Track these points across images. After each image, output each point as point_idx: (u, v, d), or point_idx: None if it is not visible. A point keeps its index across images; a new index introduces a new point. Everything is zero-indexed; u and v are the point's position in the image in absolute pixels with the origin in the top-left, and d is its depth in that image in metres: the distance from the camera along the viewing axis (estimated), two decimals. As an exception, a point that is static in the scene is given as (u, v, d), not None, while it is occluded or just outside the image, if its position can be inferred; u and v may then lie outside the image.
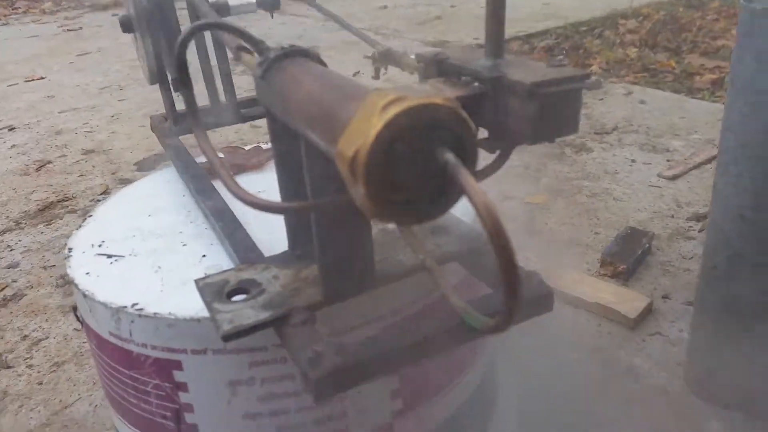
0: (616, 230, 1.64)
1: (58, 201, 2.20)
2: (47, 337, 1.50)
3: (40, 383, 1.36)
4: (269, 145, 1.05)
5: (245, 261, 0.67)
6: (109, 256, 0.77)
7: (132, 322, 0.66)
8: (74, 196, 2.23)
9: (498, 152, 0.60)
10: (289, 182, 0.62)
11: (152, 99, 3.02)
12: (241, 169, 0.99)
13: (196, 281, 0.63)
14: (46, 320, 1.57)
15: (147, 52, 1.02)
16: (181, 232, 0.81)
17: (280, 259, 0.66)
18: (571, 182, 1.98)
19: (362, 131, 0.39)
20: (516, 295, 0.39)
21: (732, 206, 1.00)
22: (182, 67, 0.58)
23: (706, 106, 2.46)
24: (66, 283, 1.72)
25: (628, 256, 1.49)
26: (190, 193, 0.90)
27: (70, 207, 2.15)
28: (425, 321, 0.55)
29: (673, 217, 1.73)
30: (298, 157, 0.58)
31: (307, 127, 0.50)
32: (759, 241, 0.98)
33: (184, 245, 0.78)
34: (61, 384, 1.35)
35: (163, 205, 0.89)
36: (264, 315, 0.57)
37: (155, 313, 0.65)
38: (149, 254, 0.77)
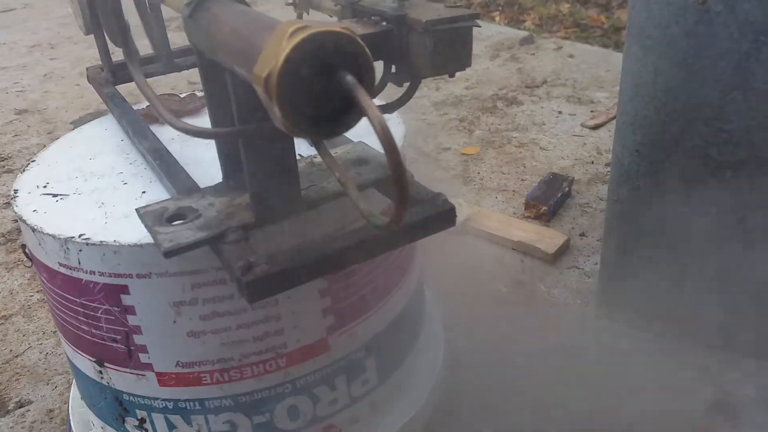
0: (541, 177, 1.75)
1: (-6, 162, 2.18)
2: (-7, 293, 1.53)
3: (-11, 336, 1.39)
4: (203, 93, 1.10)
5: (182, 192, 0.73)
6: (54, 195, 0.82)
7: (80, 251, 0.72)
8: (10, 156, 2.21)
9: (406, 86, 0.67)
10: (219, 115, 0.68)
11: (86, 57, 2.96)
12: (178, 114, 1.04)
13: (137, 209, 0.69)
14: (-10, 277, 1.59)
15: (81, 2, 1.04)
16: (121, 172, 0.87)
17: (214, 189, 0.72)
18: (501, 134, 2.08)
19: (273, 55, 0.46)
20: (404, 194, 0.46)
21: (629, 142, 1.10)
22: (118, 13, 0.63)
23: (630, 60, 2.60)
24: (8, 240, 1.73)
25: (549, 199, 1.60)
26: (128, 136, 0.94)
27: (5, 167, 2.14)
28: (344, 236, 0.63)
29: (593, 163, 1.85)
30: (225, 91, 0.65)
31: (231, 59, 0.56)
32: (652, 174, 1.09)
33: (125, 183, 0.84)
34: (10, 335, 1.39)
35: (103, 149, 0.94)
36: (201, 234, 0.64)
37: (101, 241, 0.71)
38: (92, 192, 0.82)
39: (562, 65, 2.57)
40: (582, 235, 1.53)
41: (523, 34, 2.97)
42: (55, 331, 1.38)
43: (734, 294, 1.11)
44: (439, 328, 1.08)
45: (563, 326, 1.26)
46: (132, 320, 0.75)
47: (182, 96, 1.10)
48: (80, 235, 0.72)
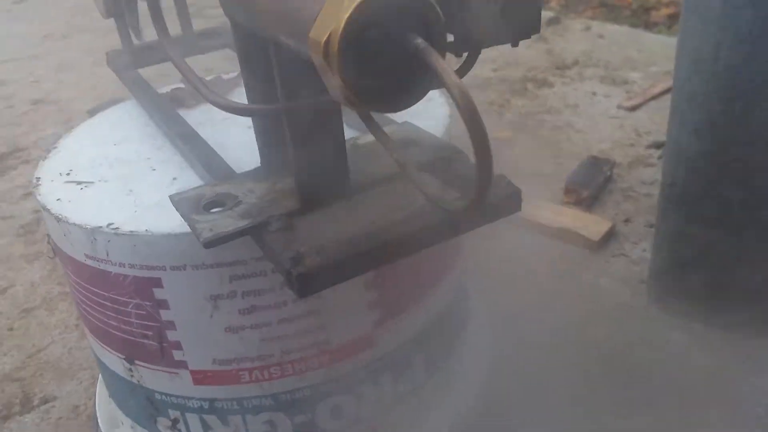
0: (579, 161, 1.68)
1: (10, 152, 2.14)
2: (14, 285, 1.48)
3: (11, 329, 1.35)
4: (229, 76, 1.04)
5: (219, 178, 0.67)
6: (79, 183, 0.76)
7: (108, 241, 0.67)
8: (26, 147, 2.17)
9: (465, 56, 0.61)
10: (258, 93, 0.62)
11: (97, 47, 2.91)
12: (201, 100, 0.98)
13: (171, 196, 0.64)
14: (10, 269, 1.54)
15: (101, -19, 0.99)
16: (149, 158, 0.81)
17: (253, 175, 0.67)
18: (533, 117, 2.00)
19: (333, 17, 0.40)
20: (489, 173, 0.40)
21: (687, 122, 1.03)
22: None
23: (663, 39, 2.49)
24: (27, 232, 1.69)
25: (590, 183, 1.52)
26: (155, 122, 0.89)
27: (23, 158, 2.10)
28: (401, 223, 0.57)
29: (633, 145, 1.77)
30: (264, 65, 0.59)
31: (276, 28, 0.50)
32: (713, 155, 1.02)
33: (154, 170, 0.78)
34: (32, 329, 1.35)
35: (127, 135, 0.88)
36: (243, 223, 0.58)
37: (132, 231, 0.65)
38: (119, 179, 0.76)
39: (592, 46, 2.48)
40: (627, 221, 1.46)
41: (550, 14, 2.87)
42: (78, 324, 1.34)
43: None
44: (485, 322, 1.02)
45: (614, 318, 1.19)
46: (165, 315, 0.69)
47: (208, 80, 1.04)
48: (108, 225, 0.67)
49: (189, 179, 0.74)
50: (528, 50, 2.51)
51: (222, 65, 1.23)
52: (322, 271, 0.52)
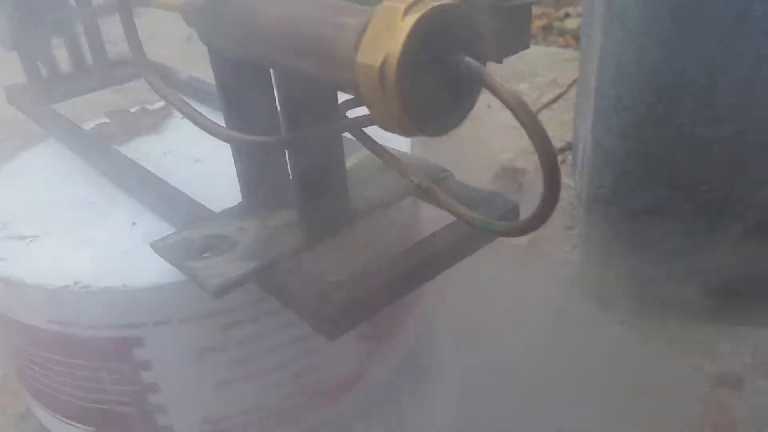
0: (490, 171, 1.73)
1: None
2: None
3: None
4: (155, 106, 0.97)
5: (197, 219, 0.62)
6: (22, 237, 0.67)
7: (78, 302, 0.59)
8: None
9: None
10: (241, 122, 0.57)
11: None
12: (132, 132, 0.91)
13: (153, 244, 0.58)
14: None
15: (4, 11, 0.89)
16: (93, 202, 0.73)
17: (237, 212, 0.62)
18: (437, 131, 2.04)
19: (387, 38, 0.38)
20: (557, 186, 0.40)
21: (613, 126, 1.09)
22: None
23: (542, 50, 2.64)
24: None
25: (508, 193, 1.58)
26: (90, 161, 0.80)
27: None
28: (420, 245, 0.55)
29: (535, 152, 1.86)
30: (250, 95, 0.55)
31: (289, 54, 0.47)
32: (639, 156, 1.08)
33: (105, 216, 0.71)
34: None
35: (56, 179, 0.80)
36: (249, 265, 0.53)
37: (106, 287, 0.58)
38: (68, 229, 0.68)
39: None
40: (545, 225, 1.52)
41: None
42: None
43: (722, 268, 1.12)
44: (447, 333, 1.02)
45: (548, 317, 1.23)
46: (147, 377, 0.62)
47: (133, 111, 0.96)
48: (76, 283, 0.59)
49: (151, 223, 0.68)
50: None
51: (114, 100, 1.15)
52: (353, 307, 0.49)
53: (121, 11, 0.51)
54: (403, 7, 0.38)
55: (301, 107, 0.50)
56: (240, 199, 0.63)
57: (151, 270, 0.59)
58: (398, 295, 0.52)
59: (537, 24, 3.03)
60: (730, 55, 0.94)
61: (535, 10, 3.25)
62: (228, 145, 0.82)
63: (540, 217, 0.42)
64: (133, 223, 0.68)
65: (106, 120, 0.93)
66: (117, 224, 0.68)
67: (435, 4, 0.38)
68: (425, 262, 0.53)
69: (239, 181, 0.62)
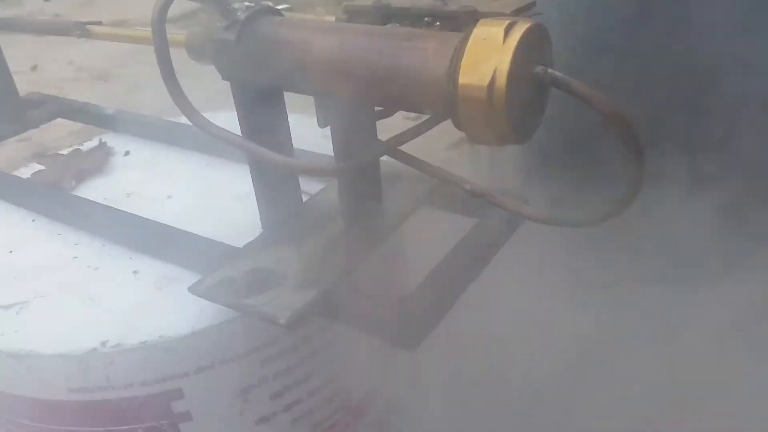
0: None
1: None
2: None
3: None
4: (86, 146, 0.90)
5: (227, 257, 0.59)
6: (6, 307, 0.60)
7: (109, 363, 0.54)
8: None
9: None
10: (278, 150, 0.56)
11: None
12: (81, 176, 0.84)
13: (193, 289, 0.55)
14: None
15: None
16: (75, 257, 0.67)
17: (264, 244, 0.60)
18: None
19: (492, 58, 0.40)
20: (641, 179, 0.44)
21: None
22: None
23: None
24: None
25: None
26: (50, 214, 0.73)
27: None
28: (460, 247, 0.58)
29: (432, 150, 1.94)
30: (270, 122, 0.55)
31: (357, 84, 0.47)
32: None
33: (96, 269, 0.65)
34: None
35: (15, 236, 0.72)
36: (310, 294, 0.52)
37: (142, 343, 0.55)
38: (61, 290, 0.62)
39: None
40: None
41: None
42: None
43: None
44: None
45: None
46: (186, 428, 0.59)
47: (66, 154, 0.89)
48: (104, 344, 0.55)
49: (154, 269, 0.64)
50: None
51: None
52: (426, 317, 0.51)
53: (164, 73, 0.48)
54: (502, 29, 0.40)
55: (352, 133, 0.50)
56: (242, 229, 0.62)
57: (183, 317, 0.56)
58: (455, 297, 0.54)
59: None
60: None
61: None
62: (199, 178, 0.80)
63: (623, 202, 0.45)
64: (135, 272, 0.64)
65: (41, 167, 0.85)
66: (118, 276, 0.64)
67: (528, 23, 0.41)
68: (469, 262, 0.56)
69: (261, 212, 0.61)
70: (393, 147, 0.52)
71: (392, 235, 0.61)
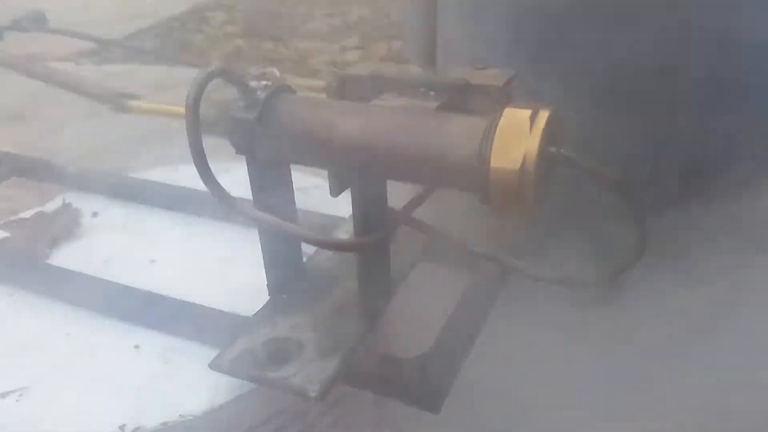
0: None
1: None
2: None
3: None
4: (48, 207, 0.87)
5: (239, 328, 0.59)
6: (4, 395, 0.58)
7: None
8: None
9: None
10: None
11: None
12: (51, 242, 0.81)
13: (213, 364, 0.54)
14: None
15: None
16: (68, 333, 0.65)
17: (273, 311, 0.61)
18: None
19: (521, 142, 0.43)
20: (644, 246, 0.48)
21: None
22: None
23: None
24: None
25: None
26: (30, 287, 0.71)
27: None
28: (463, 300, 0.61)
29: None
30: (281, 192, 0.57)
31: (374, 164, 0.49)
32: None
33: (93, 345, 0.64)
34: None
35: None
36: (333, 361, 0.53)
37: (163, 424, 0.54)
38: (61, 371, 0.60)
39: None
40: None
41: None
42: None
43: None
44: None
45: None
46: (205, 505, 0.58)
47: (29, 217, 0.85)
48: (122, 427, 0.54)
49: (155, 341, 0.63)
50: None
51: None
52: (448, 373, 0.53)
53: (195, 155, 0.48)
54: (527, 115, 0.44)
55: (373, 207, 0.53)
56: (236, 294, 0.64)
57: (198, 392, 0.56)
58: (467, 353, 0.57)
59: (321, 59, 3.18)
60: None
61: (311, 45, 3.40)
62: (178, 239, 0.79)
63: (630, 262, 0.49)
64: (136, 347, 0.63)
65: (4, 233, 0.81)
66: (116, 353, 0.62)
67: (548, 111, 0.44)
68: (474, 316, 0.59)
69: (269, 279, 0.61)
70: (407, 216, 0.54)
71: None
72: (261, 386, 0.54)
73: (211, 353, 0.56)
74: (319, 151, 0.51)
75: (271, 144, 0.53)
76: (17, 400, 0.58)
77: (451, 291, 0.65)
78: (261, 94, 0.52)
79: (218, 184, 0.50)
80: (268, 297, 0.62)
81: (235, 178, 0.57)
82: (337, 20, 3.86)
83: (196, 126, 0.48)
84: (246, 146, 0.54)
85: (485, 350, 0.60)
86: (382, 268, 0.58)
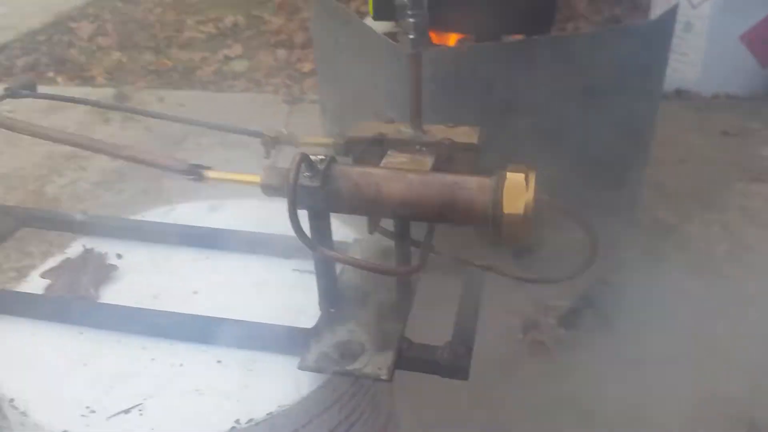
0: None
1: None
2: None
3: None
4: (73, 251, 0.98)
5: (309, 337, 0.78)
6: (127, 411, 0.73)
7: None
8: None
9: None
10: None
11: None
12: (94, 283, 0.93)
13: (302, 365, 0.74)
14: None
15: None
16: (153, 359, 0.80)
17: (330, 321, 0.79)
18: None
19: (522, 195, 0.67)
20: (595, 255, 0.74)
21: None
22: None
23: (233, 96, 2.90)
24: None
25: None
26: (98, 323, 0.84)
27: None
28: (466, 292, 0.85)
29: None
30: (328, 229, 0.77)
31: (412, 214, 0.71)
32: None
33: (180, 365, 0.79)
34: None
35: (75, 350, 0.82)
36: (390, 353, 0.75)
37: (269, 414, 0.72)
38: (163, 388, 0.76)
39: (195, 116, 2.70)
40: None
41: (112, 91, 2.94)
42: None
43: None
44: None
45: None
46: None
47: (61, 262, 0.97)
48: (238, 421, 0.72)
49: (232, 355, 0.79)
50: (126, 131, 2.58)
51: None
52: (468, 352, 0.77)
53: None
54: (523, 176, 0.67)
55: (406, 241, 0.75)
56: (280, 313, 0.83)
57: (285, 387, 0.75)
58: (474, 336, 0.81)
59: (208, 70, 3.26)
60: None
61: (196, 55, 3.45)
62: (210, 272, 0.95)
63: (586, 265, 0.75)
64: (219, 361, 0.79)
65: (47, 280, 0.93)
66: (204, 366, 0.78)
67: (534, 171, 0.69)
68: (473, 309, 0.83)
69: (321, 297, 0.81)
70: (429, 245, 0.77)
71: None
72: (341, 377, 0.74)
73: (283, 359, 0.76)
74: (368, 206, 0.71)
75: (331, 202, 0.73)
76: (140, 413, 0.73)
77: (450, 294, 0.88)
78: (320, 166, 0.72)
79: (306, 235, 0.69)
80: (319, 312, 0.82)
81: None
82: (211, 27, 3.92)
83: (294, 201, 0.67)
84: (311, 205, 0.73)
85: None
86: (411, 283, 0.80)
